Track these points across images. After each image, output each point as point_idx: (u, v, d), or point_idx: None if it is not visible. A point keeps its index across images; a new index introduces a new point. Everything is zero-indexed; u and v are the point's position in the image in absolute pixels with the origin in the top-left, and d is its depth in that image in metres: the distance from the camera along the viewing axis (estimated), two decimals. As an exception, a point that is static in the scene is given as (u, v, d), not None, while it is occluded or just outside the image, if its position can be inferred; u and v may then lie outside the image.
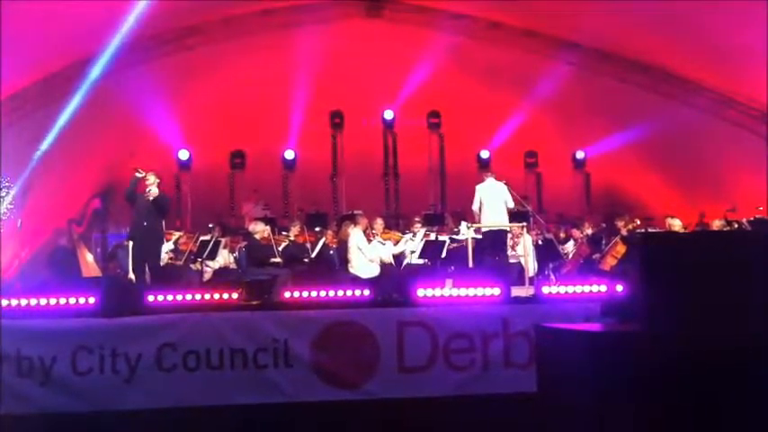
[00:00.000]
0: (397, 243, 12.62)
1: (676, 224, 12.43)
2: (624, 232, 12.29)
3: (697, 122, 15.43)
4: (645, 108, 15.42)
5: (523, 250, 12.00)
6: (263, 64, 14.85)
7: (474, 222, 12.10)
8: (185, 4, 13.30)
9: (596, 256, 12.39)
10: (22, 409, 7.75)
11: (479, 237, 11.95)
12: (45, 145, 13.05)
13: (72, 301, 8.33)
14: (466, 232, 12.00)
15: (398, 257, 12.53)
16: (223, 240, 12.12)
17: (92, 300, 8.35)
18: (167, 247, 11.32)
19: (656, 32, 13.63)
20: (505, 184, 12.35)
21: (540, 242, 12.83)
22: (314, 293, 8.83)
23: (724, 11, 12.08)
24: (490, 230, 11.94)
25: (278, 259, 11.77)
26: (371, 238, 12.01)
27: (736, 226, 12.01)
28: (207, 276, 11.80)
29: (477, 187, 12.15)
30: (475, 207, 12.11)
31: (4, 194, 12.67)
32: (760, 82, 13.59)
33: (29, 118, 13.74)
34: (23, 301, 8.31)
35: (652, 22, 13.09)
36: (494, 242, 11.94)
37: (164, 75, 14.50)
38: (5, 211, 12.69)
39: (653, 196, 15.48)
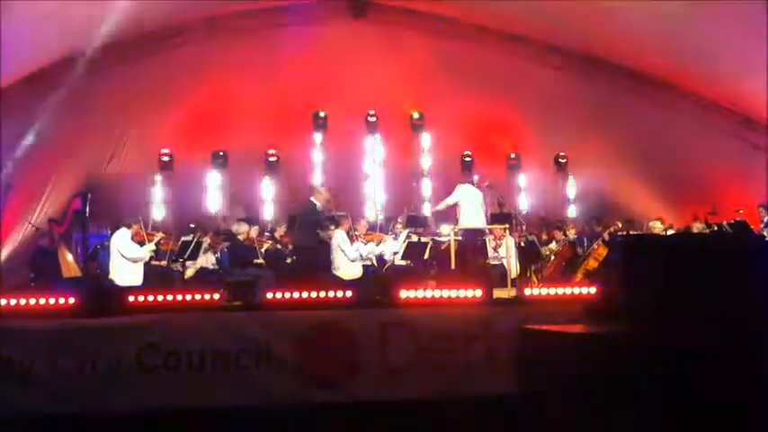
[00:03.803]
0: (379, 243, 12.62)
1: (657, 227, 12.53)
2: (606, 235, 12.37)
3: (681, 127, 15.54)
4: (629, 112, 15.53)
5: (506, 252, 12.05)
6: (245, 64, 14.80)
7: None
8: (169, 4, 13.24)
9: (578, 258, 12.46)
10: (2, 412, 7.67)
11: (459, 238, 12.00)
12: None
13: (52, 301, 8.27)
14: (448, 234, 12.04)
15: (381, 258, 12.53)
16: (204, 241, 12.06)
17: (72, 300, 8.30)
18: (150, 247, 11.26)
19: (641, 38, 13.70)
20: (488, 187, 12.47)
21: (522, 244, 12.88)
22: (296, 294, 8.80)
23: (710, 17, 12.16)
24: (467, 231, 11.99)
25: (260, 260, 11.76)
26: (355, 240, 12.01)
27: (715, 228, 12.09)
28: (188, 277, 11.76)
29: (459, 186, 12.24)
30: (448, 201, 12.19)
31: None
32: (744, 88, 13.71)
33: (10, 117, 13.63)
34: (3, 301, 8.23)
35: (638, 27, 13.16)
36: (472, 243, 12.00)
37: (146, 74, 14.43)
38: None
39: (635, 199, 15.57)
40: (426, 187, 16.00)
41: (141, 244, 11.20)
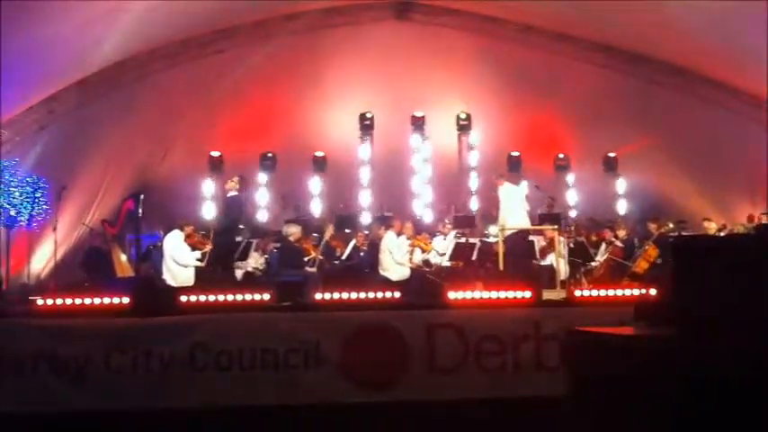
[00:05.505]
0: (424, 250, 12.57)
1: (712, 227, 12.32)
2: (657, 235, 12.18)
3: (730, 125, 15.28)
4: (677, 110, 15.29)
5: (555, 253, 11.94)
6: (293, 66, 14.94)
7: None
8: (216, 5, 13.39)
9: (629, 259, 12.29)
10: (57, 408, 7.86)
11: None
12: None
13: (106, 301, 8.45)
14: (496, 234, 11.98)
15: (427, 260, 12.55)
16: (254, 242, 12.17)
17: (125, 300, 8.46)
18: (197, 255, 11.37)
19: (688, 34, 13.49)
20: (536, 188, 12.36)
21: (571, 245, 12.75)
22: (345, 295, 8.84)
23: (757, 13, 11.92)
24: (512, 234, 11.86)
25: (309, 261, 11.83)
26: (411, 246, 12.00)
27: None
28: (238, 277, 11.87)
29: (499, 189, 12.14)
30: (502, 210, 12.05)
31: (39, 195, 12.87)
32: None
33: (63, 120, 13.95)
34: (58, 301, 8.44)
35: (685, 24, 12.96)
36: (516, 245, 11.87)
37: (195, 77, 14.64)
38: (41, 212, 12.89)
39: (686, 199, 15.33)
40: (473, 185, 15.90)
41: (194, 247, 11.33)
